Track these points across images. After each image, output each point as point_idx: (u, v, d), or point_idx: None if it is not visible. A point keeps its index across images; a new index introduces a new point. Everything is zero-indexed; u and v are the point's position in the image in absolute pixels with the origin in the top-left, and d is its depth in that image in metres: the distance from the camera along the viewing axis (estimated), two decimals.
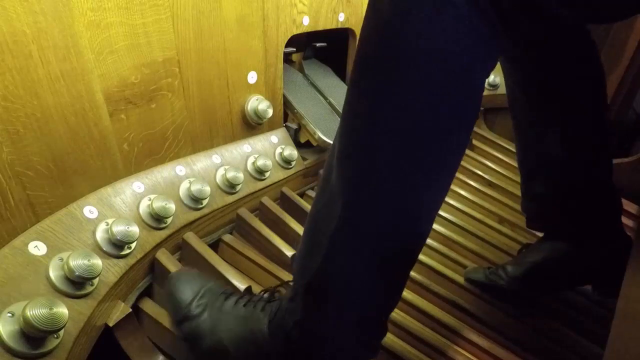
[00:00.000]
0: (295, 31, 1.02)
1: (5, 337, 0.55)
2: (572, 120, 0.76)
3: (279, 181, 1.05)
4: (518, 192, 1.27)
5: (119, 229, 0.71)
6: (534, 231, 1.07)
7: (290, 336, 0.54)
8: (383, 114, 0.46)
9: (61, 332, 0.60)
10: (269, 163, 1.01)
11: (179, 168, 0.88)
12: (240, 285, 0.80)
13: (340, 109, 1.16)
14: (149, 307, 0.78)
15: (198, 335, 0.60)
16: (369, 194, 0.47)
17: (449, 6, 0.42)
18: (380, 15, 0.45)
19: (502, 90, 1.50)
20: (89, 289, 0.66)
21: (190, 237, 0.86)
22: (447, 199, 1.19)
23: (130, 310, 0.74)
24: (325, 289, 0.51)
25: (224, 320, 0.60)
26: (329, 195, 0.50)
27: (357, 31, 1.20)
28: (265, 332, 0.56)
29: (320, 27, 1.09)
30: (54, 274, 0.63)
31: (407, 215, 0.48)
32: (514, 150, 1.43)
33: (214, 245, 0.93)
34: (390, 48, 0.44)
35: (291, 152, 1.06)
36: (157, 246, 0.80)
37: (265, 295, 0.65)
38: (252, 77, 0.97)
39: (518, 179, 1.32)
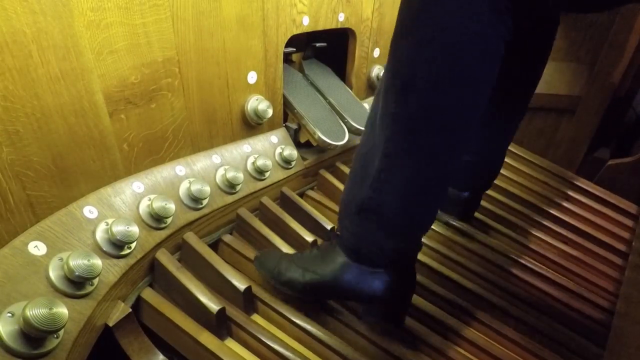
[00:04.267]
0: (295, 31, 1.02)
1: (5, 337, 0.55)
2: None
3: (278, 181, 1.05)
4: (518, 192, 1.28)
5: (118, 229, 0.71)
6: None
7: (347, 245, 0.74)
8: (415, 76, 0.57)
9: (61, 332, 0.60)
10: (269, 163, 1.01)
11: (179, 168, 0.88)
12: (240, 285, 0.80)
13: (339, 109, 1.16)
14: (150, 296, 0.79)
15: (294, 279, 0.80)
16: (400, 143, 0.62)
17: None
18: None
19: None
20: (89, 289, 0.67)
21: (190, 237, 0.86)
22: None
23: (130, 310, 0.74)
24: (371, 209, 0.68)
25: (309, 262, 0.80)
26: (372, 144, 0.66)
27: (357, 31, 1.20)
28: (339, 251, 0.76)
29: (320, 27, 1.09)
30: (53, 274, 0.64)
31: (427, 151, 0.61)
32: (514, 150, 1.44)
33: (214, 245, 0.93)
34: (419, 21, 0.56)
35: (291, 152, 1.06)
36: (157, 246, 0.80)
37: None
38: (252, 77, 0.97)
39: (518, 179, 1.33)
